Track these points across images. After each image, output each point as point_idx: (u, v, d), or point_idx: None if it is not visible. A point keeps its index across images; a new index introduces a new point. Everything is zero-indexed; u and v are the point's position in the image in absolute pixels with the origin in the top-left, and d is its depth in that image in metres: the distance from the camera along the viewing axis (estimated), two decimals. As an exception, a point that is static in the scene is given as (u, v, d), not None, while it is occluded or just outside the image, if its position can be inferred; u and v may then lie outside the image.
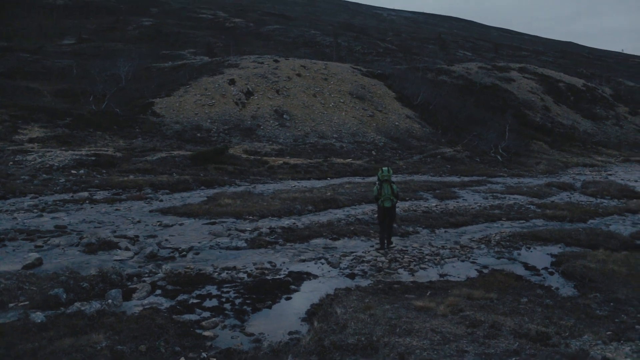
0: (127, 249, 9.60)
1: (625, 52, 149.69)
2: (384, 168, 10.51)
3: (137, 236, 10.70)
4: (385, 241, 10.49)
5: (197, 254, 9.61)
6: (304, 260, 9.41)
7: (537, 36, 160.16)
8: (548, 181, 24.11)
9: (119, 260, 8.90)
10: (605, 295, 7.64)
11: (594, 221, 14.54)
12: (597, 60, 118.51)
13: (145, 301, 6.99)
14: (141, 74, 40.76)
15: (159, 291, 7.46)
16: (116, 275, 7.69)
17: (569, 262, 9.55)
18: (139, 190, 16.72)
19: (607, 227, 13.52)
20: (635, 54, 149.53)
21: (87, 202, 14.48)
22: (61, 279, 7.20)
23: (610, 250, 10.56)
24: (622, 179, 26.57)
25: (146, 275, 8.14)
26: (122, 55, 40.41)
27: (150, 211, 13.64)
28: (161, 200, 15.40)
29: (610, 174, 30.15)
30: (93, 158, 21.06)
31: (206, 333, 6.09)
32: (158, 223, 12.09)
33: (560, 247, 11.19)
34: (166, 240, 10.51)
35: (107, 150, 23.60)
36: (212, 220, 12.62)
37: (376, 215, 11.19)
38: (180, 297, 7.26)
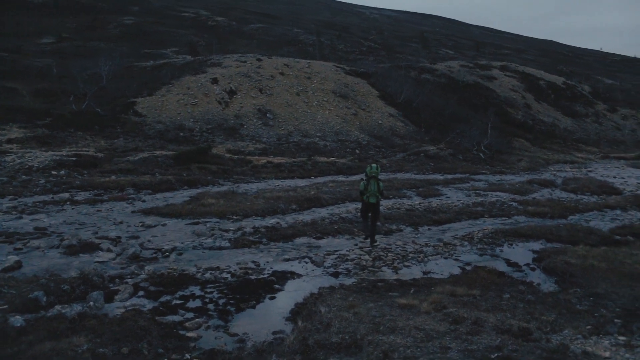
0: (109, 250, 9.50)
1: (603, 50, 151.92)
2: (372, 165, 10.67)
3: (119, 237, 10.60)
4: (369, 239, 10.63)
5: (180, 254, 9.55)
6: (288, 260, 9.40)
7: (518, 34, 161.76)
8: (530, 178, 24.38)
9: (101, 261, 8.80)
10: (585, 290, 7.75)
11: (575, 217, 14.75)
12: (576, 59, 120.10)
13: (128, 303, 6.92)
14: (123, 73, 40.29)
15: (141, 292, 7.40)
16: (98, 277, 7.61)
17: (550, 258, 9.69)
18: (121, 191, 16.55)
19: (587, 223, 13.73)
20: (613, 52, 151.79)
21: (67, 203, 14.29)
22: (41, 282, 7.10)
23: (590, 245, 10.73)
24: (601, 176, 26.98)
25: (128, 276, 8.06)
26: (103, 54, 39.88)
27: (133, 212, 13.52)
28: (144, 201, 15.26)
29: (590, 171, 30.59)
30: (74, 159, 20.78)
31: (190, 334, 6.06)
32: (140, 224, 11.99)
33: (541, 244, 11.34)
34: (149, 241, 10.43)
35: (88, 151, 23.31)
36: (196, 220, 12.54)
37: (359, 213, 11.27)
38: (164, 298, 7.21)
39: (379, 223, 12.26)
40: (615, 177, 26.41)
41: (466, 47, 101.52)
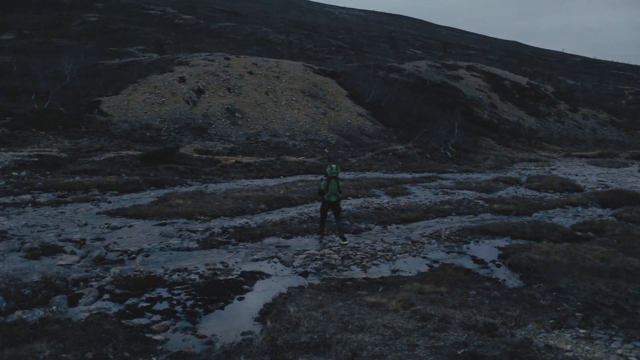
0: (72, 253, 9.28)
1: (565, 51, 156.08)
2: (332, 165, 11.03)
3: (83, 239, 10.36)
4: (338, 228, 10.98)
5: (147, 256, 9.39)
6: (256, 260, 9.35)
7: (484, 35, 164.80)
8: (495, 176, 24.86)
9: (64, 265, 8.59)
10: (548, 285, 7.95)
11: (539, 214, 15.10)
12: (539, 59, 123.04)
13: (93, 306, 6.78)
14: (87, 71, 39.44)
15: (107, 296, 7.26)
16: (61, 280, 7.42)
17: (515, 254, 9.90)
18: (85, 192, 16.18)
19: (550, 220, 14.08)
20: (574, 53, 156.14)
21: (29, 205, 13.89)
22: (1, 287, 6.89)
23: (553, 242, 11.01)
24: (564, 174, 27.72)
25: (93, 279, 7.89)
26: (66, 52, 38.95)
27: (98, 213, 13.23)
28: (109, 202, 14.96)
29: (553, 169, 31.39)
30: (36, 159, 20.22)
31: (157, 337, 5.98)
32: (106, 225, 11.75)
33: (507, 240, 11.57)
34: (115, 242, 10.23)
35: (51, 151, 22.71)
36: (163, 221, 12.36)
37: (325, 211, 11.40)
38: (130, 301, 7.08)
39: (347, 222, 12.38)
40: (577, 175, 27.17)
41: (434, 47, 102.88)
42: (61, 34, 61.45)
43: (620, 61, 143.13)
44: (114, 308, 6.79)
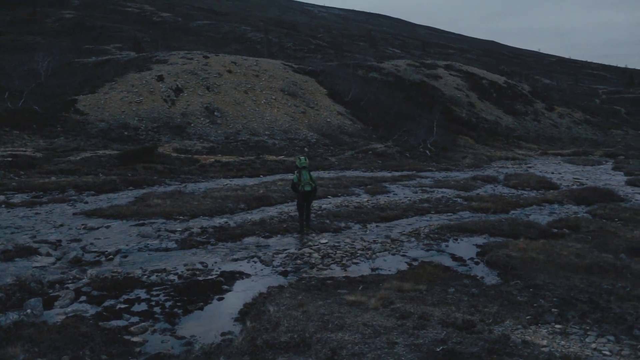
0: (48, 254, 9.12)
1: (541, 51, 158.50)
2: (301, 157, 11.42)
3: (59, 241, 10.19)
4: (305, 222, 11.40)
5: (125, 257, 9.28)
6: (236, 260, 9.31)
7: (462, 35, 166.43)
8: (474, 174, 25.12)
9: (40, 266, 8.43)
10: (525, 281, 8.06)
11: (516, 212, 15.30)
12: (516, 59, 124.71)
13: (69, 309, 6.67)
14: (62, 69, 38.79)
15: (83, 298, 7.15)
16: (36, 283, 7.29)
17: (492, 251, 10.01)
18: (61, 192, 15.93)
19: (527, 217, 14.28)
20: (550, 53, 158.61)
21: (3, 206, 13.63)
22: (-26, 290, 6.75)
23: (530, 239, 11.16)
24: (540, 171, 28.14)
25: (69, 281, 7.77)
26: (40, 50, 38.25)
27: (74, 214, 13.03)
28: (86, 202, 14.75)
29: (530, 167, 31.85)
30: (9, 159, 19.83)
31: (135, 339, 5.91)
32: (83, 226, 11.58)
33: (485, 238, 11.70)
34: (91, 243, 10.09)
35: (25, 151, 22.29)
36: (141, 222, 12.23)
37: (302, 206, 11.59)
38: (107, 303, 6.99)
39: (327, 221, 12.45)
40: (553, 173, 27.61)
41: (413, 46, 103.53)
42: (35, 31, 60.30)
43: (594, 61, 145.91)
44: (91, 310, 6.70)
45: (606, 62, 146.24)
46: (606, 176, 26.53)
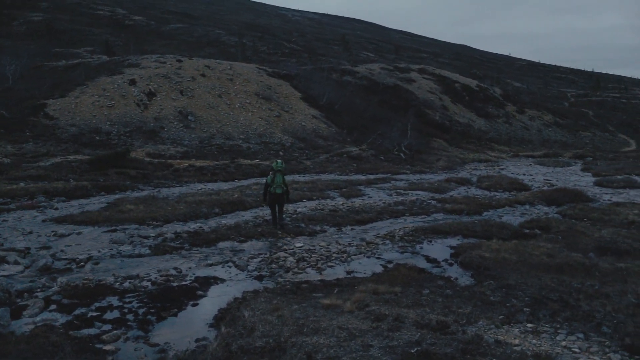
0: (16, 262, 8.90)
1: (512, 55, 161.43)
2: (278, 160, 11.88)
3: (28, 248, 9.95)
4: (278, 220, 11.98)
5: (96, 263, 9.11)
6: (211, 265, 9.23)
7: (434, 39, 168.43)
8: (447, 177, 25.41)
9: (7, 275, 8.22)
10: (498, 282, 8.17)
11: (489, 213, 15.53)
12: (488, 63, 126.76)
13: (38, 318, 6.52)
14: (31, 73, 38.00)
15: (53, 306, 7.00)
16: (3, 292, 7.11)
17: (466, 252, 10.13)
18: (30, 199, 15.56)
19: (499, 219, 14.50)
20: (520, 57, 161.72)
21: (-31, 213, 13.26)
22: (-62, 300, 6.54)
23: (503, 239, 11.34)
24: (512, 173, 28.62)
25: (39, 290, 7.59)
26: (7, 53, 37.40)
27: (44, 221, 12.75)
28: (56, 209, 14.44)
29: (502, 169, 32.36)
30: (-24, 165, 19.32)
31: (107, 347, 5.81)
32: (53, 233, 11.33)
33: (458, 239, 11.84)
34: (62, 251, 9.87)
35: (-8, 156, 21.74)
36: (113, 228, 12.03)
37: (274, 205, 12.11)
38: (78, 311, 6.85)
39: (302, 225, 12.47)
40: (524, 174, 28.10)
41: (386, 50, 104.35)
42: (2, 33, 58.94)
43: (562, 65, 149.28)
44: (61, 319, 6.56)
45: (574, 67, 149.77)
46: (575, 177, 27.13)
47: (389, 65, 63.91)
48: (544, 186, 22.32)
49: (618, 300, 6.97)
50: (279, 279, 8.48)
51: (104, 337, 6.05)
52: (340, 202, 16.48)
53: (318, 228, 12.49)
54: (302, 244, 10.72)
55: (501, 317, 6.49)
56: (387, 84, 53.93)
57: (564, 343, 5.63)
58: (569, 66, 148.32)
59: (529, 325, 6.20)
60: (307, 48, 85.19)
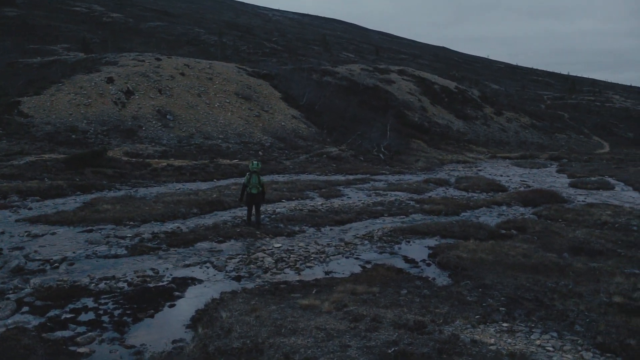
0: (-12, 263, 8.70)
1: (490, 57, 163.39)
2: (254, 161, 12.11)
3: (0, 249, 9.74)
4: (255, 220, 12.22)
5: (71, 264, 8.97)
6: (188, 265, 9.15)
7: (414, 40, 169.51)
8: (426, 177, 25.60)
9: (-21, 276, 8.04)
10: (475, 282, 8.27)
11: (466, 214, 15.69)
12: (466, 65, 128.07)
13: (9, 321, 6.39)
14: (4, 70, 37.22)
15: (26, 308, 6.86)
16: (-26, 293, 6.95)
17: (444, 253, 10.23)
18: (3, 198, 15.24)
19: (477, 219, 14.66)
20: (498, 60, 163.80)
21: (-61, 213, 12.93)
22: None
23: (480, 240, 11.47)
24: (489, 174, 28.96)
25: (10, 291, 7.44)
26: (-20, 49, 36.59)
27: (17, 221, 12.50)
28: (30, 209, 14.16)
29: (479, 170, 32.72)
30: (-53, 163, 18.85)
31: (81, 349, 5.72)
32: (26, 233, 11.12)
33: (436, 240, 11.94)
34: (35, 251, 9.69)
35: (-36, 155, 21.24)
36: (89, 228, 11.85)
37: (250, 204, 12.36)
38: (52, 313, 6.73)
39: (281, 225, 12.46)
40: (501, 176, 28.46)
41: (366, 51, 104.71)
42: (-24, 29, 57.58)
43: (539, 68, 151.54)
44: (34, 321, 6.44)
45: (550, 70, 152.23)
46: (551, 178, 27.57)
47: (369, 66, 64.15)
48: (520, 187, 22.63)
49: (591, 300, 7.11)
50: (257, 280, 8.45)
51: (78, 339, 5.96)
52: (320, 203, 16.48)
53: (297, 228, 12.48)
54: (280, 245, 10.70)
55: (477, 316, 6.57)
56: (367, 84, 54.12)
57: (538, 342, 5.72)
58: (545, 69, 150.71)
59: (505, 324, 6.29)
60: (287, 48, 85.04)
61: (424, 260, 10.13)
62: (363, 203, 16.61)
